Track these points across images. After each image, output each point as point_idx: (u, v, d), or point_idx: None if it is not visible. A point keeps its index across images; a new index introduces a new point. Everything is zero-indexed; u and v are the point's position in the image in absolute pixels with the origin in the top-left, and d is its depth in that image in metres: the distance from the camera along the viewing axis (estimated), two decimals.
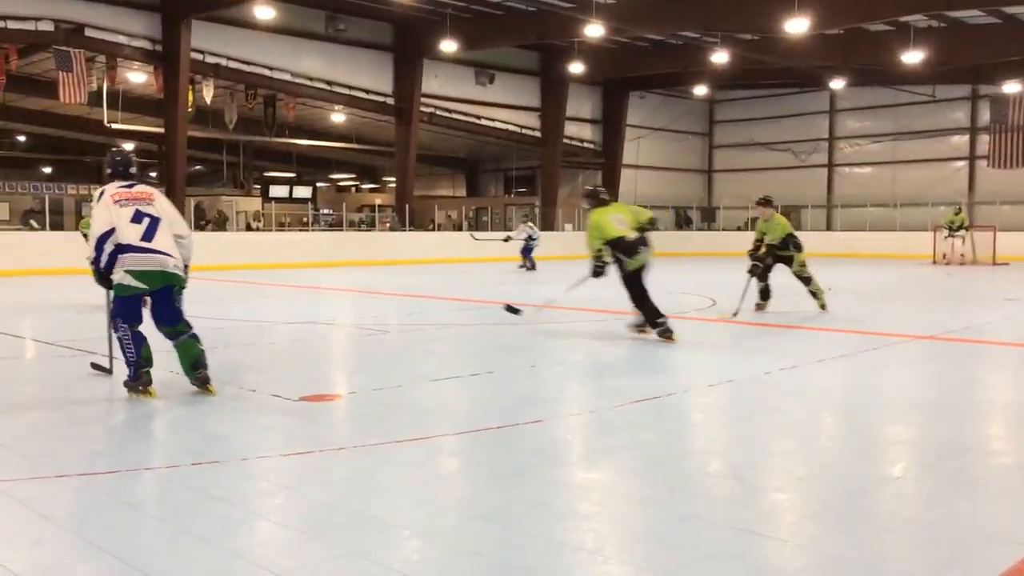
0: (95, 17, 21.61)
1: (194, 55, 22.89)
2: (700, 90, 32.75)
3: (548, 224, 30.90)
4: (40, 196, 24.47)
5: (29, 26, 20.70)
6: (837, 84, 30.16)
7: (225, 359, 7.42)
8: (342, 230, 28.35)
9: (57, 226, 23.12)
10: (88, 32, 21.51)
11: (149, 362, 5.61)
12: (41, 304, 12.07)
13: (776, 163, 35.11)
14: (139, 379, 5.58)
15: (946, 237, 23.85)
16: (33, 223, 23.18)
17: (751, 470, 4.16)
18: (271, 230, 27.24)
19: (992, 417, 5.58)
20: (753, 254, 10.48)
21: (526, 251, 21.24)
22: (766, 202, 10.60)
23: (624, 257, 8.25)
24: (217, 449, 4.45)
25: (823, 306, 10.66)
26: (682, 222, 35.75)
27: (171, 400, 5.68)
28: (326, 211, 33.66)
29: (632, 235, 8.24)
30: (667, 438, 4.79)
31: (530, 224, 22.13)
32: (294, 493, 3.80)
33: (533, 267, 20.92)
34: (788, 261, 10.61)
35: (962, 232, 23.71)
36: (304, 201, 33.79)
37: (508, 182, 38.34)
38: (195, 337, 5.73)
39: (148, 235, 5.52)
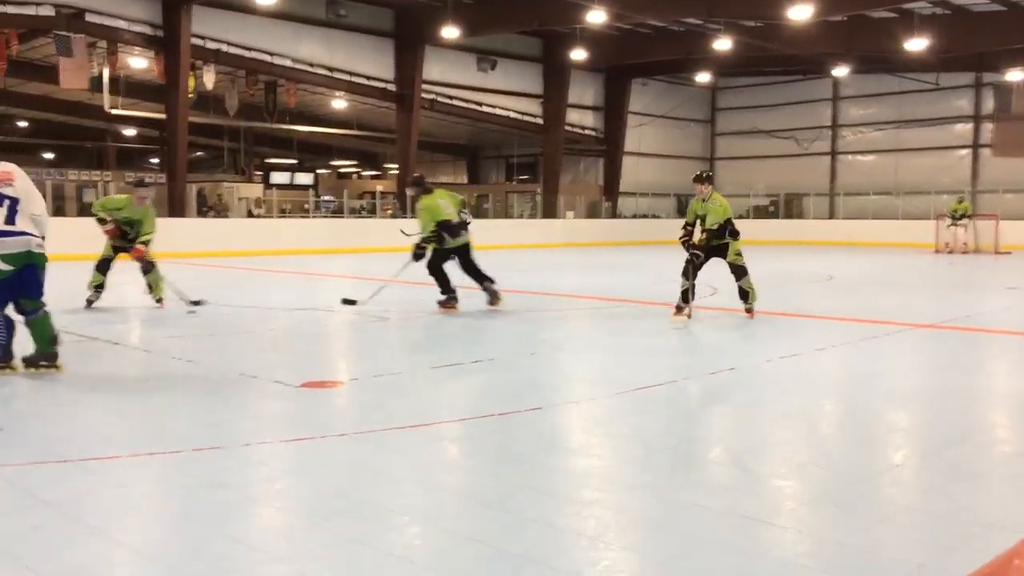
0: (96, 2, 21.50)
1: (195, 40, 22.80)
2: (703, 77, 32.62)
3: (550, 211, 30.87)
4: (41, 181, 24.42)
5: (30, 11, 20.61)
6: (840, 71, 30.04)
7: (226, 345, 7.43)
8: (343, 217, 28.31)
9: (59, 211, 23.08)
10: (88, 17, 21.41)
11: (55, 340, 5.83)
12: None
13: (778, 151, 35.01)
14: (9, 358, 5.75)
15: (948, 226, 23.82)
16: None
17: (752, 457, 4.17)
18: (272, 216, 27.21)
19: (993, 405, 5.59)
20: (689, 242, 8.96)
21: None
22: (705, 179, 8.97)
23: (448, 236, 9.73)
24: (218, 435, 4.45)
25: (750, 310, 9.00)
26: (684, 210, 35.70)
27: (172, 386, 5.68)
28: (327, 198, 33.60)
29: (456, 218, 9.78)
30: (668, 425, 4.80)
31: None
32: (295, 479, 3.81)
33: None
34: (723, 251, 8.90)
35: (965, 220, 23.67)
36: (305, 188, 33.73)
37: (510, 169, 38.28)
38: (48, 313, 5.87)
39: (10, 218, 5.60)
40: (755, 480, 3.83)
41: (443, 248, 9.77)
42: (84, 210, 22.33)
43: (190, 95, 23.42)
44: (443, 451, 4.35)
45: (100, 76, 23.88)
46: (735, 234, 8.94)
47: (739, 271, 8.93)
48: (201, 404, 5.22)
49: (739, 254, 8.89)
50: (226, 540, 3.05)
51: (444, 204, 9.73)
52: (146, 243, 9.35)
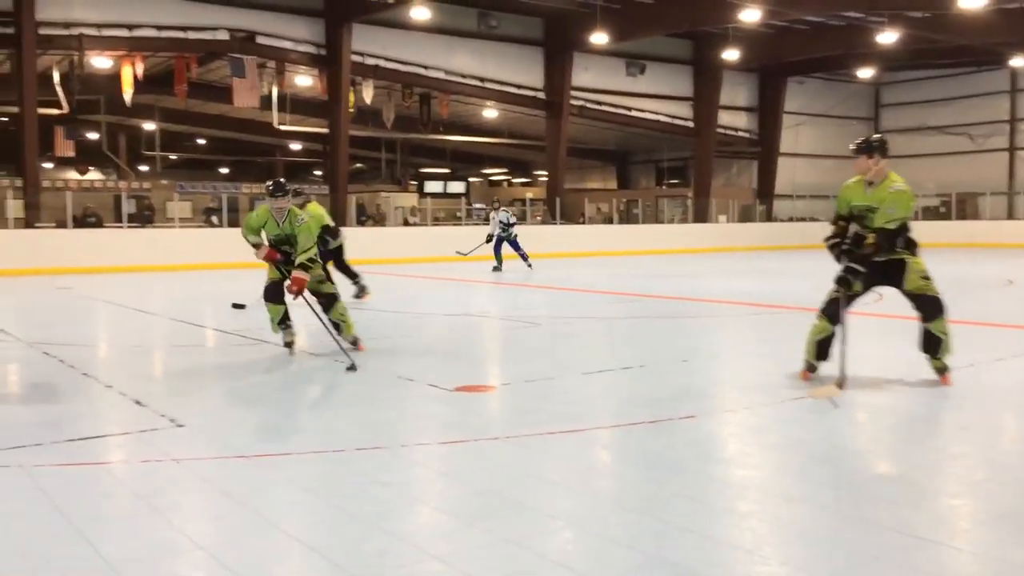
0: (265, 25, 22.92)
1: (355, 57, 23.86)
2: (865, 72, 31.12)
3: (702, 216, 30.25)
4: (218, 195, 26.21)
5: (207, 36, 22.21)
6: (1018, 62, 27.90)
7: (384, 349, 7.72)
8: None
9: (234, 223, 24.71)
10: (259, 40, 22.85)
11: None
12: (220, 295, 12.94)
13: (950, 148, 32.89)
14: None
15: None
16: (213, 220, 24.89)
17: (922, 472, 3.94)
18: (427, 224, 28.02)
19: None
20: (842, 248, 5.75)
21: (503, 244, 17.57)
22: (875, 147, 5.60)
23: (331, 239, 10.87)
24: (379, 435, 4.63)
25: (942, 370, 5.77)
26: None
27: (335, 388, 5.96)
28: (479, 205, 34.29)
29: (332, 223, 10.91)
30: (829, 436, 4.60)
31: (503, 209, 18.34)
32: (451, 480, 3.92)
33: (527, 262, 17.38)
34: (897, 271, 5.65)
35: None
36: (458, 196, 34.55)
37: (660, 173, 37.80)
38: None
39: None
40: (925, 496, 3.62)
41: (329, 249, 10.80)
42: None
43: (350, 109, 24.52)
44: (595, 456, 4.36)
45: (269, 94, 25.39)
46: (911, 245, 5.65)
47: (929, 306, 5.63)
48: (362, 406, 5.44)
49: (927, 278, 5.62)
50: (386, 537, 3.17)
51: (324, 212, 11.13)
52: (306, 267, 6.81)
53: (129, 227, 21.11)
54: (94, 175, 37.06)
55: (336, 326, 7.17)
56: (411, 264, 20.50)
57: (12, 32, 19.63)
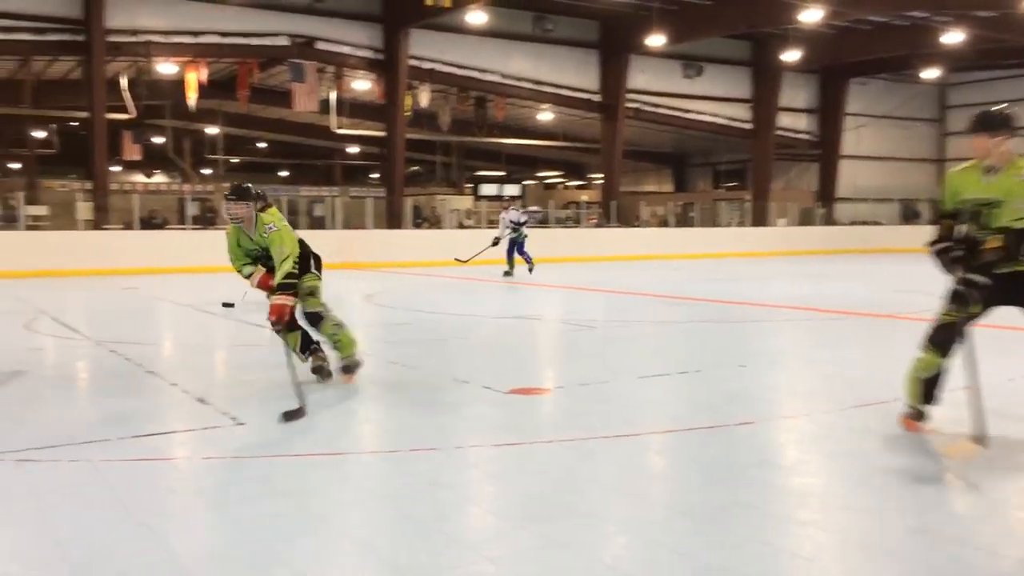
0: (324, 31, 23.29)
1: (411, 62, 24.10)
2: (930, 73, 30.35)
3: (760, 219, 29.82)
4: (278, 198, 26.71)
5: (268, 42, 22.67)
6: None
7: (439, 351, 7.77)
8: (549, 227, 28.80)
9: (294, 225, 25.16)
10: (318, 45, 23.23)
11: None
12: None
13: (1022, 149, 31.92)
14: None
15: None
16: None
17: (994, 484, 3.82)
18: (481, 227, 28.12)
19: None
20: (954, 255, 4.36)
21: (517, 248, 16.42)
22: (999, 123, 4.37)
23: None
24: (434, 436, 4.66)
25: None
26: (909, 215, 33.31)
27: (391, 389, 6.01)
28: (533, 208, 34.30)
29: None
30: (890, 445, 4.49)
31: (514, 208, 17.11)
32: (505, 482, 3.92)
33: (530, 266, 16.51)
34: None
35: None
36: (513, 199, 34.64)
37: (717, 176, 37.38)
38: None
39: None
40: (996, 508, 3.51)
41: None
42: (315, 223, 24.17)
43: (407, 113, 24.77)
44: (650, 462, 4.32)
45: (328, 99, 25.78)
46: None
47: None
48: (417, 407, 5.48)
49: None
50: (441, 538, 3.18)
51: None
52: (287, 288, 5.51)
53: (192, 229, 21.62)
54: (159, 178, 38.07)
55: (336, 345, 5.96)
56: (467, 267, 20.59)
57: (83, 40, 20.28)
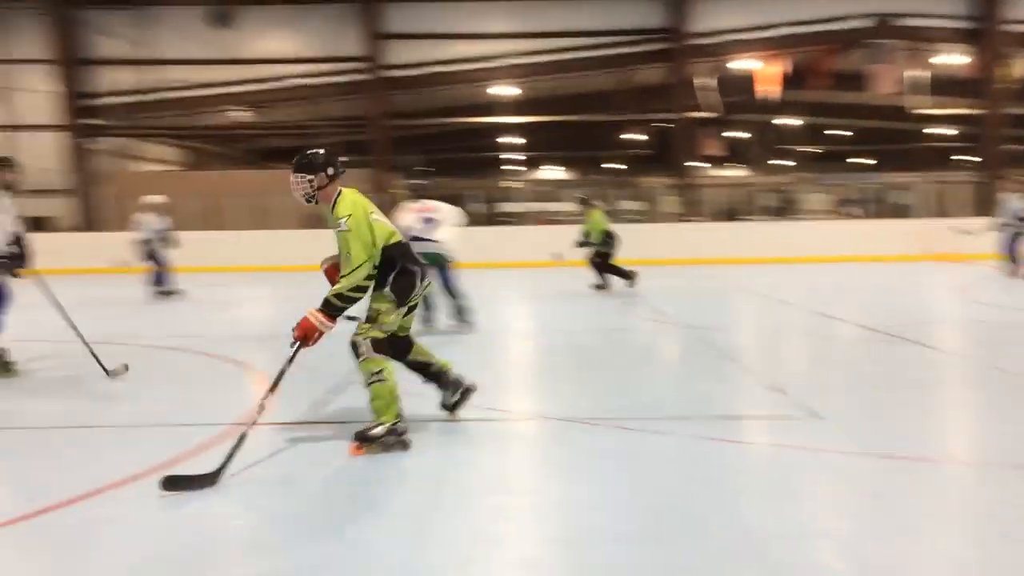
0: (905, 5, 21.83)
1: (1008, 27, 21.28)
2: None
3: None
4: (854, 185, 25.87)
5: (846, 25, 22.06)
6: None
7: None
8: None
9: (877, 214, 24.35)
10: (899, 21, 21.85)
11: None
12: (860, 289, 12.74)
13: None
14: None
15: None
16: (853, 211, 24.84)
17: None
18: None
19: None
20: None
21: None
22: None
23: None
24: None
25: None
26: None
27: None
28: None
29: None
30: None
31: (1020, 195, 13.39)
32: None
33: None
34: None
35: None
36: None
37: None
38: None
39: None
40: None
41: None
42: (898, 211, 22.89)
43: (1008, 85, 21.94)
44: None
45: (908, 77, 24.10)
46: None
47: None
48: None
49: None
50: None
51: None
52: (334, 310, 4.20)
53: (769, 219, 22.09)
54: (737, 171, 39.60)
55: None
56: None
57: (672, 46, 22.12)
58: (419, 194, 8.62)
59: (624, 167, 35.70)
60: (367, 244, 4.23)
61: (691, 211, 22.58)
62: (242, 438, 3.99)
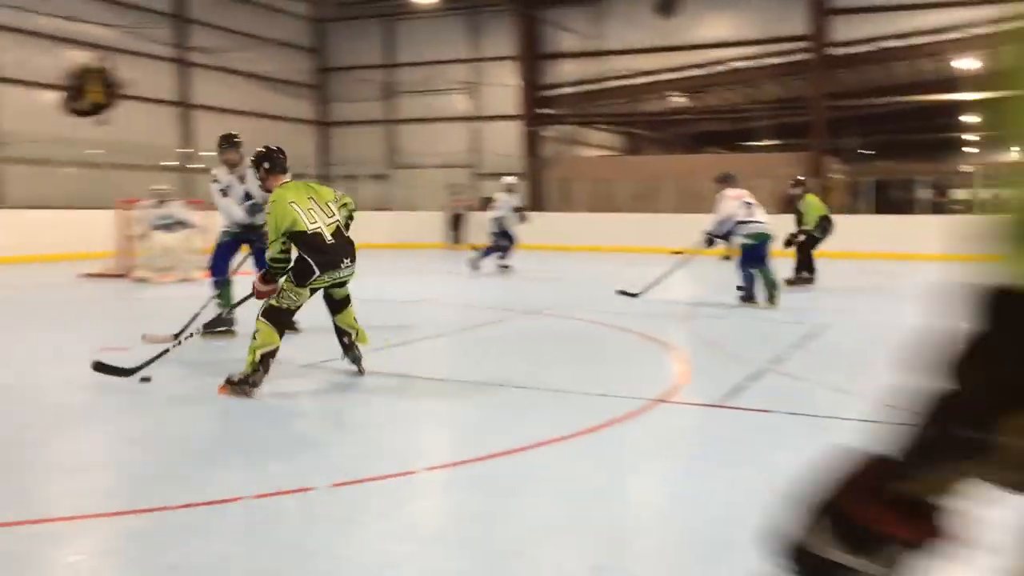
0: None
1: None
2: None
3: None
4: None
5: None
6: None
7: None
8: None
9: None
10: None
11: None
12: None
13: None
14: None
15: None
16: None
17: None
18: None
19: None
20: None
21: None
22: None
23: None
24: None
25: None
26: None
27: None
28: None
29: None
30: None
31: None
32: None
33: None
34: None
35: None
36: None
37: None
38: None
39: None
40: None
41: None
42: None
43: None
44: None
45: None
46: None
47: None
48: None
49: None
50: None
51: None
52: (269, 275, 5.31)
53: None
54: None
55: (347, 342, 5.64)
56: None
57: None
58: (729, 183, 9.09)
59: None
60: (274, 228, 5.12)
61: None
62: (164, 352, 5.42)
